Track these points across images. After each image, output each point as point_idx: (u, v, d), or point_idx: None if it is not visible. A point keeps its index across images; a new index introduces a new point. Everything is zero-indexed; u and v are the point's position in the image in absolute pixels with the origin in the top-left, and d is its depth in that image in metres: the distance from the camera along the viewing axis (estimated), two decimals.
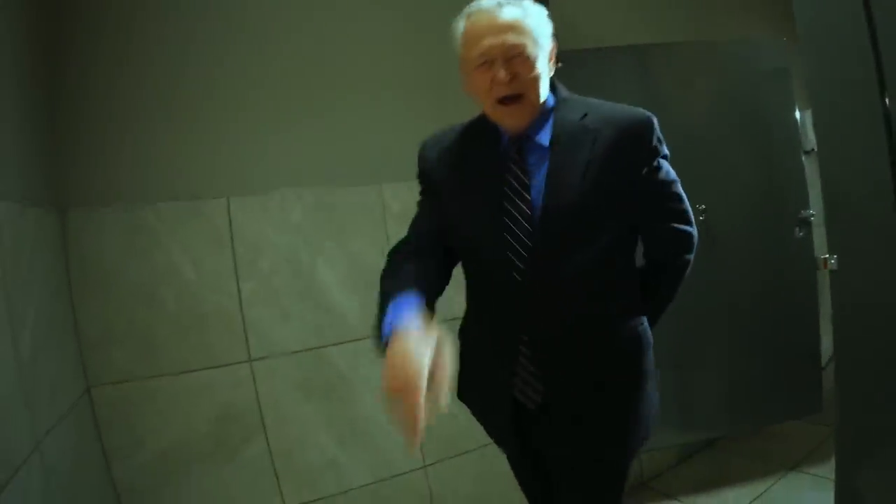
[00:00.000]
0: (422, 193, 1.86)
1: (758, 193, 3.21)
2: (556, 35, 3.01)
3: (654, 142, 1.65)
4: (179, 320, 2.52)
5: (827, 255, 2.13)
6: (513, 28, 1.56)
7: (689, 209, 1.79)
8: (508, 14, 1.58)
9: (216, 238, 2.61)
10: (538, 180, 1.63)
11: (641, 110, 1.66)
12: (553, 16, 3.01)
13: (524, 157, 1.66)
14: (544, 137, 1.65)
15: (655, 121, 1.65)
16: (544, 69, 1.64)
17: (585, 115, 1.65)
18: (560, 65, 2.96)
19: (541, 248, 1.60)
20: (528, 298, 1.63)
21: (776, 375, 3.21)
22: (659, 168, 1.69)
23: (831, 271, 2.12)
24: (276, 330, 2.70)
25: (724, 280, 3.12)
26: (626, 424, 1.70)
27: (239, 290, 2.64)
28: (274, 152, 2.70)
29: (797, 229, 3.19)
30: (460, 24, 1.64)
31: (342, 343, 2.82)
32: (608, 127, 1.61)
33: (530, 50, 1.58)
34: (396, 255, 1.75)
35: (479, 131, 1.74)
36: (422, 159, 1.83)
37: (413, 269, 1.65)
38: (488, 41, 1.56)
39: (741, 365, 3.19)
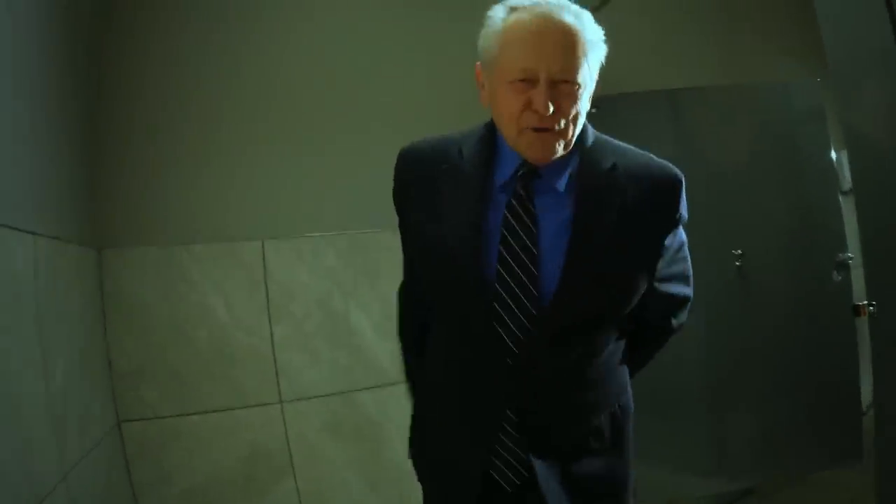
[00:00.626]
0: (399, 215, 1.50)
1: (794, 236, 3.16)
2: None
3: (682, 207, 1.41)
4: (211, 360, 2.54)
5: (865, 302, 2.07)
6: (571, 46, 1.24)
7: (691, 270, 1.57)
8: (570, 24, 1.25)
9: (250, 280, 2.64)
10: (546, 232, 1.32)
11: (671, 167, 1.41)
12: None
13: (531, 198, 1.33)
14: (559, 181, 1.34)
15: (683, 181, 1.41)
16: (587, 104, 1.33)
17: (614, 165, 1.35)
18: (594, 110, 3.00)
19: (551, 323, 1.30)
20: (523, 377, 1.34)
21: (814, 422, 3.13)
22: (679, 233, 1.47)
23: (870, 315, 2.07)
24: (307, 372, 2.71)
25: (760, 324, 3.06)
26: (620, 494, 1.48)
27: (271, 333, 2.65)
28: (308, 196, 2.73)
29: (835, 272, 3.13)
30: (498, 17, 1.31)
31: (373, 388, 2.81)
32: (637, 185, 1.34)
33: (583, 78, 1.26)
34: (407, 305, 1.64)
35: (474, 152, 1.40)
36: (400, 176, 1.47)
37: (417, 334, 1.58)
38: (537, 57, 1.23)
39: (778, 410, 3.12)
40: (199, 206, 2.56)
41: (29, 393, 1.52)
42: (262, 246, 2.66)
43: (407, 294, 1.62)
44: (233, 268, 2.61)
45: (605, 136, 1.44)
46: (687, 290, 1.56)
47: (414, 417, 1.60)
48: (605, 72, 3.08)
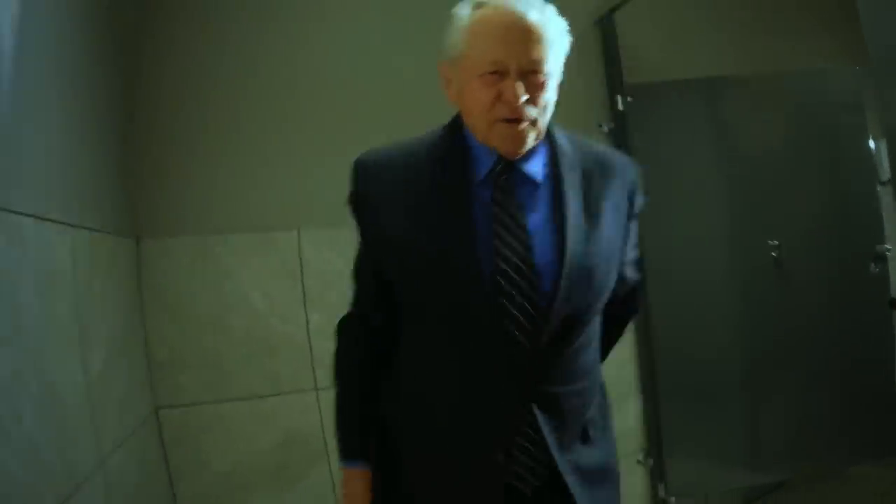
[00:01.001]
0: (363, 236, 1.45)
1: (831, 227, 3.11)
2: (623, 70, 3.03)
3: (639, 189, 1.47)
4: (248, 348, 2.59)
5: None
6: (538, 37, 1.26)
7: None
8: (535, 17, 1.26)
9: (286, 269, 2.68)
10: (533, 223, 1.33)
11: (627, 156, 1.50)
12: (621, 50, 3.04)
13: (514, 192, 1.35)
14: (534, 168, 1.36)
15: None
16: (555, 94, 1.35)
17: (582, 154, 1.41)
18: (629, 99, 2.99)
19: (555, 314, 1.29)
20: (535, 373, 1.33)
21: (850, 415, 3.09)
22: (636, 216, 1.49)
23: None
24: None
25: (796, 315, 3.02)
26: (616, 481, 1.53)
27: (307, 321, 2.69)
28: (344, 185, 2.74)
29: (872, 264, 3.08)
30: (464, 13, 1.32)
31: None
32: (604, 172, 1.40)
33: (551, 67, 1.29)
34: (355, 344, 1.51)
35: (444, 153, 1.39)
36: (365, 185, 1.41)
37: (370, 376, 1.49)
38: (505, 49, 1.25)
39: (813, 403, 3.08)
40: (236, 196, 2.60)
41: (68, 381, 1.57)
42: (299, 235, 2.69)
43: (361, 326, 1.51)
44: (269, 257, 2.65)
45: (560, 128, 1.45)
46: (638, 276, 1.59)
47: (388, 457, 1.48)
48: (641, 61, 3.09)
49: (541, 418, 1.33)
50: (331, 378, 1.53)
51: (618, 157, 1.47)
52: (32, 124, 1.51)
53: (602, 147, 1.50)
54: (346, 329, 1.53)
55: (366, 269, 1.47)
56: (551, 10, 1.32)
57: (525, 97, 1.25)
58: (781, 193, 3.03)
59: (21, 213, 1.38)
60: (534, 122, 1.30)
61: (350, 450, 1.49)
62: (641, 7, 2.94)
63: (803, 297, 3.05)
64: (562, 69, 1.36)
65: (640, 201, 1.46)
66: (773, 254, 2.97)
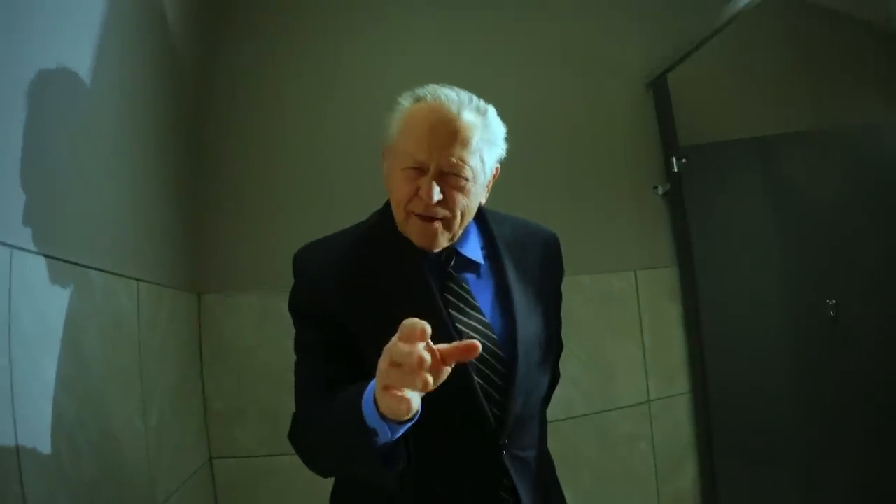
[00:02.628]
0: (307, 331, 1.41)
1: (890, 285, 3.02)
2: (677, 131, 3.06)
3: (561, 257, 1.56)
4: None
5: None
6: (464, 140, 1.29)
7: None
8: (466, 120, 1.30)
9: None
10: (485, 302, 1.38)
11: (548, 228, 1.57)
12: (675, 111, 3.07)
13: (462, 276, 1.39)
14: (473, 252, 1.42)
15: None
16: (480, 196, 1.39)
17: (510, 229, 1.49)
18: (684, 160, 3.00)
19: (521, 378, 1.33)
20: (508, 437, 1.34)
21: None
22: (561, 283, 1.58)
23: None
24: None
25: (855, 376, 2.93)
26: None
27: None
28: None
29: None
30: (405, 104, 1.36)
31: None
32: (534, 246, 1.49)
33: (473, 173, 1.31)
34: (306, 420, 1.36)
35: (386, 241, 1.40)
36: (307, 281, 1.40)
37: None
38: (428, 148, 1.28)
39: (874, 465, 2.98)
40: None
41: (127, 428, 1.63)
42: None
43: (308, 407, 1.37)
44: None
45: (486, 208, 1.50)
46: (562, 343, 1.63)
47: None
48: (695, 122, 3.12)
49: (517, 482, 1.34)
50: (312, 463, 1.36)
51: (541, 230, 1.55)
52: (103, 183, 1.60)
53: (526, 221, 1.56)
54: (297, 431, 1.40)
55: (316, 364, 1.37)
56: (491, 114, 1.36)
57: (439, 198, 1.28)
58: (839, 251, 2.97)
59: (90, 267, 1.46)
60: (447, 223, 1.33)
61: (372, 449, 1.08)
62: (694, 68, 2.97)
63: (861, 357, 2.97)
64: (494, 170, 1.40)
65: (562, 269, 1.56)
66: (830, 313, 2.92)
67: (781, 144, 3.08)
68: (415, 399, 0.94)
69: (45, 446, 1.17)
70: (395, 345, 0.93)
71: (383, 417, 1.00)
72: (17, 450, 1.07)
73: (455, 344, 0.95)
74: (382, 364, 0.95)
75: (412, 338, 0.91)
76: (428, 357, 0.89)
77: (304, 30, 2.82)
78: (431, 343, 0.94)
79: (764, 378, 2.96)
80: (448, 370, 0.96)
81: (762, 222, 3.05)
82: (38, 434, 1.15)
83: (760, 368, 2.97)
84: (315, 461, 1.33)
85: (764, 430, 2.93)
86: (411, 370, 0.89)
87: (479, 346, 0.94)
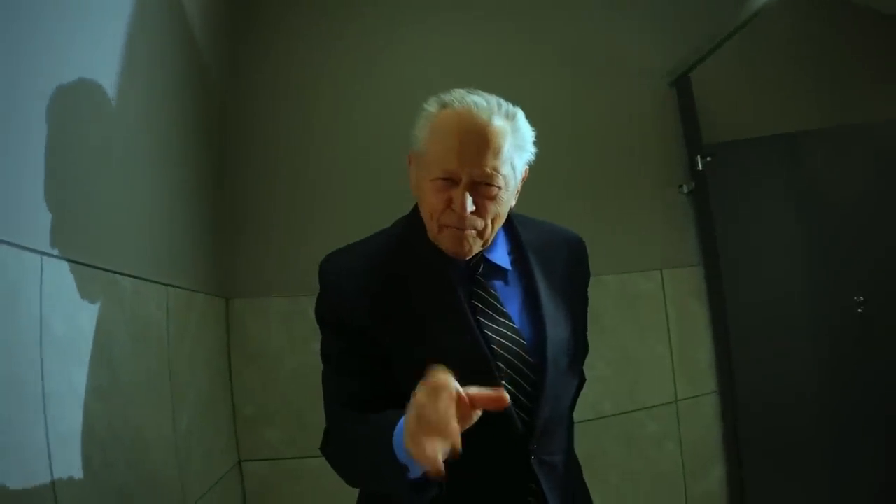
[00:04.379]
0: (333, 340, 1.39)
1: None
2: (701, 129, 3.04)
3: (587, 260, 1.55)
4: None
5: None
6: (496, 149, 1.27)
7: None
8: (497, 127, 1.27)
9: None
10: (513, 308, 1.38)
11: (573, 231, 1.55)
12: (698, 110, 3.05)
13: (490, 282, 1.39)
14: (501, 258, 1.41)
15: None
16: (510, 202, 1.37)
17: (536, 233, 1.48)
18: (708, 159, 2.98)
19: (549, 387, 1.33)
20: (537, 442, 1.34)
21: None
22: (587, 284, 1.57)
23: None
24: None
25: (883, 374, 2.89)
26: None
27: None
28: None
29: None
30: (432, 110, 1.33)
31: None
32: (558, 248, 1.48)
33: (505, 181, 1.30)
34: (343, 432, 1.35)
35: (413, 248, 1.40)
36: (332, 290, 1.38)
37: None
38: (459, 159, 1.26)
39: None
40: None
41: (158, 433, 1.65)
42: None
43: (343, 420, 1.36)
44: None
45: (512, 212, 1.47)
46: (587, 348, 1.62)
47: None
48: (719, 120, 3.10)
49: (545, 486, 1.34)
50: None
51: (567, 232, 1.55)
52: (132, 189, 1.62)
53: (551, 225, 1.55)
54: (329, 447, 1.40)
55: (349, 376, 1.35)
56: (520, 117, 1.34)
57: (472, 209, 1.26)
58: (866, 248, 2.94)
59: (120, 273, 1.48)
60: (480, 232, 1.32)
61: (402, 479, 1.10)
62: (716, 66, 2.96)
63: (890, 354, 2.93)
64: (523, 174, 1.38)
65: (588, 272, 1.56)
66: (858, 310, 2.88)
67: (806, 141, 3.04)
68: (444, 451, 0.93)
69: (76, 452, 1.19)
70: (424, 405, 0.95)
71: None
72: (49, 456, 1.08)
73: (485, 393, 0.97)
74: (411, 419, 0.97)
75: (439, 394, 0.94)
76: (456, 428, 0.91)
77: (330, 32, 2.85)
78: (460, 389, 0.96)
79: (791, 377, 2.93)
80: (478, 414, 0.99)
81: (788, 219, 3.02)
82: (69, 440, 1.17)
83: (788, 367, 2.94)
84: (347, 477, 1.36)
85: (791, 429, 2.90)
86: (439, 432, 0.91)
87: (508, 397, 0.97)
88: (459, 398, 0.95)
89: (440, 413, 0.92)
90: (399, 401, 1.17)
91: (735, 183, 3.05)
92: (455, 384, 0.95)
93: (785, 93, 3.29)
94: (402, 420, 1.04)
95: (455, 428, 0.90)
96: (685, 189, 3.06)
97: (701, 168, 3.01)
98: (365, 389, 1.32)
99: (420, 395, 0.97)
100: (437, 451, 0.92)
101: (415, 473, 1.04)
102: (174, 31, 2.02)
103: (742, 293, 2.99)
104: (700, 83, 3.08)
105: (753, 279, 2.99)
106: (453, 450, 0.90)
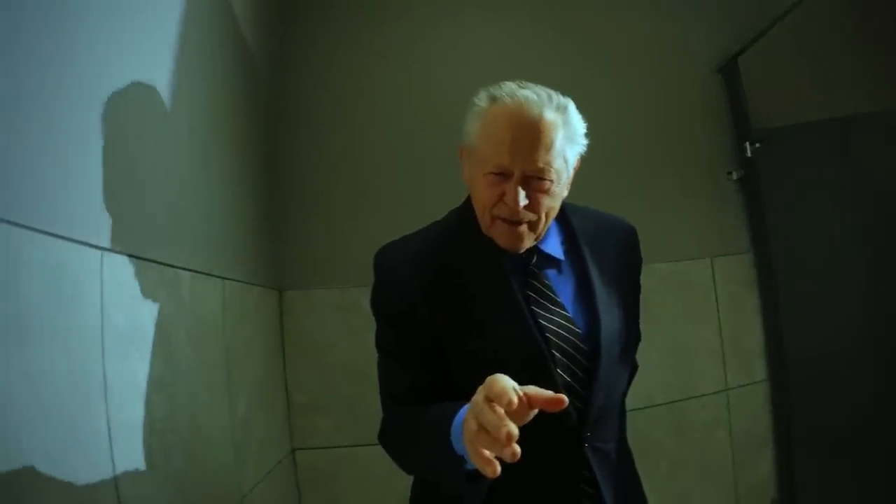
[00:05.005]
0: (388, 330, 1.42)
1: None
2: (750, 115, 2.99)
3: (639, 249, 1.56)
4: None
5: None
6: (548, 143, 1.26)
7: None
8: (548, 121, 1.27)
9: None
10: (567, 297, 1.38)
11: (625, 219, 1.56)
12: (746, 96, 3.00)
13: (544, 272, 1.40)
14: (554, 248, 1.42)
15: None
16: (563, 195, 1.38)
17: (588, 222, 1.48)
18: (758, 145, 2.94)
19: (603, 375, 1.34)
20: (591, 432, 1.35)
21: None
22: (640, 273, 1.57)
23: None
24: None
25: None
26: None
27: None
28: None
29: None
30: (480, 105, 1.34)
31: None
32: (611, 236, 1.48)
33: (557, 175, 1.30)
34: (396, 423, 1.37)
35: (467, 240, 1.41)
36: (387, 282, 1.41)
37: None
38: (512, 154, 1.26)
39: None
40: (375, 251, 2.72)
41: (214, 423, 1.69)
42: None
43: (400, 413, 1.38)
44: None
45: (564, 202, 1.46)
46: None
47: None
48: (768, 105, 3.03)
49: (598, 474, 1.35)
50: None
51: (619, 221, 1.54)
52: (188, 185, 1.66)
53: (603, 213, 1.55)
54: (387, 436, 1.43)
55: (405, 367, 1.38)
56: (570, 109, 1.34)
57: (525, 203, 1.27)
58: None
59: (178, 267, 1.52)
60: (533, 225, 1.32)
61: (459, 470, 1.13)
62: (765, 51, 2.90)
63: None
64: (575, 165, 1.38)
65: (640, 259, 1.56)
66: None
67: (859, 125, 2.97)
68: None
69: (137, 442, 1.22)
70: (484, 411, 0.95)
71: None
72: (111, 446, 1.12)
73: (544, 394, 0.98)
74: (469, 422, 0.98)
75: (500, 403, 0.94)
76: (515, 433, 0.91)
77: (379, 20, 2.89)
78: (519, 389, 0.98)
79: (844, 366, 2.88)
80: (534, 412, 1.00)
81: (841, 205, 2.95)
82: (130, 430, 1.20)
83: (840, 356, 2.88)
84: (404, 466, 1.40)
85: (844, 418, 2.85)
86: (498, 441, 0.91)
87: (567, 400, 0.97)
88: (518, 396, 0.95)
89: (498, 420, 0.92)
90: (453, 390, 1.23)
91: (786, 169, 2.99)
92: (514, 389, 0.97)
93: (838, 75, 3.21)
94: (461, 412, 1.07)
95: (513, 435, 0.90)
96: (734, 176, 3.03)
97: (750, 155, 2.97)
98: (419, 380, 1.35)
99: (479, 399, 0.98)
100: (493, 457, 0.93)
101: (472, 465, 1.04)
102: (223, 28, 2.06)
103: (794, 280, 2.95)
104: (749, 67, 3.02)
105: (805, 266, 2.94)
106: (511, 455, 0.90)
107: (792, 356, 2.93)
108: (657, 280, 2.89)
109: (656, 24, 3.06)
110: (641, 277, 1.58)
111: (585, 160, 1.43)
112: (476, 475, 1.10)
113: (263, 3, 2.55)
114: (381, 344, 1.45)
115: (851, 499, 2.84)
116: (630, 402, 1.56)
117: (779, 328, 2.96)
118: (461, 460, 1.09)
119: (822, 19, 3.18)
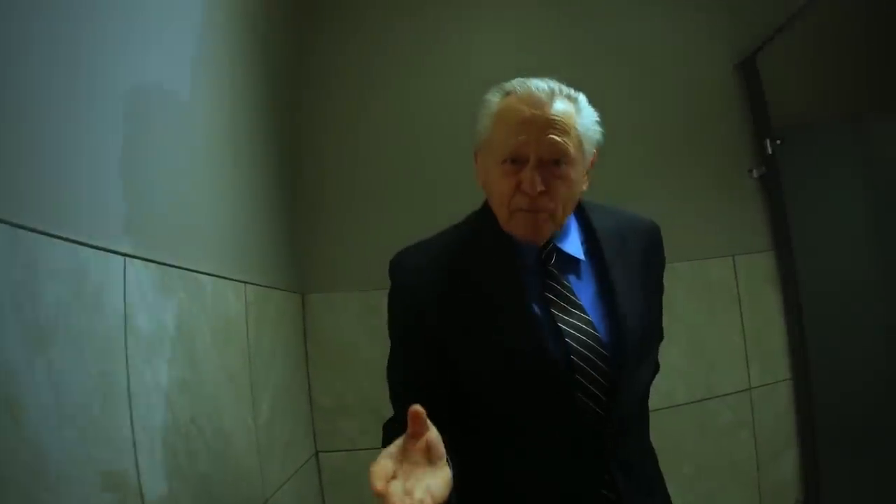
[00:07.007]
0: (404, 337, 1.42)
1: None
2: (771, 113, 2.97)
3: (663, 248, 1.52)
4: None
5: None
6: (560, 126, 1.28)
7: None
8: (559, 107, 1.29)
9: None
10: (587, 300, 1.36)
11: (648, 217, 1.52)
12: (766, 92, 2.98)
13: (563, 274, 1.37)
14: (573, 247, 1.40)
15: None
16: (580, 184, 1.36)
17: (609, 221, 1.45)
18: (779, 142, 2.92)
19: (624, 378, 1.31)
20: (614, 438, 1.33)
21: None
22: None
23: None
24: None
25: None
26: None
27: None
28: None
29: None
30: (494, 99, 1.36)
31: None
32: (632, 235, 1.45)
33: (573, 161, 1.30)
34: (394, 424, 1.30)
35: (484, 243, 1.40)
36: (404, 288, 1.42)
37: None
38: (525, 137, 1.27)
39: None
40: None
41: (239, 426, 1.71)
42: None
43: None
44: None
45: (583, 200, 1.46)
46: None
47: None
48: (788, 101, 3.01)
49: (620, 477, 1.33)
50: None
51: (641, 219, 1.51)
52: (210, 190, 1.69)
53: (625, 212, 1.52)
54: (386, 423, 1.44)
55: (412, 367, 1.40)
56: (581, 99, 1.35)
57: (542, 188, 1.27)
58: None
59: (201, 272, 1.54)
60: (551, 213, 1.31)
61: None
62: (784, 46, 2.89)
63: None
64: (591, 156, 1.38)
65: (664, 259, 1.53)
66: None
67: (881, 122, 2.95)
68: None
69: (161, 445, 1.24)
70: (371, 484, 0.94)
71: None
72: (135, 448, 1.13)
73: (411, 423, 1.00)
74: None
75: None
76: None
77: (401, 26, 2.90)
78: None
79: (868, 365, 2.86)
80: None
81: (863, 203, 2.94)
82: (154, 434, 1.22)
83: (864, 355, 2.87)
84: None
85: (868, 417, 2.83)
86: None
87: (420, 409, 1.01)
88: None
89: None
90: (458, 398, 1.28)
91: (807, 166, 2.97)
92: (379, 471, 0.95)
93: (857, 72, 3.19)
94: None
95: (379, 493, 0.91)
96: (755, 174, 3.01)
97: (771, 152, 2.95)
98: (420, 383, 1.35)
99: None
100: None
101: None
102: (244, 29, 2.08)
103: (817, 279, 2.93)
104: (769, 64, 3.01)
105: (828, 264, 2.92)
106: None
107: (815, 355, 2.91)
108: (680, 279, 2.88)
109: (675, 23, 3.05)
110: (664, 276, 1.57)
111: (605, 158, 1.43)
112: None
113: (287, 6, 2.58)
114: (391, 346, 1.47)
115: (877, 498, 2.81)
116: (652, 402, 1.55)
117: (802, 326, 2.94)
118: None
119: (841, 15, 3.16)
